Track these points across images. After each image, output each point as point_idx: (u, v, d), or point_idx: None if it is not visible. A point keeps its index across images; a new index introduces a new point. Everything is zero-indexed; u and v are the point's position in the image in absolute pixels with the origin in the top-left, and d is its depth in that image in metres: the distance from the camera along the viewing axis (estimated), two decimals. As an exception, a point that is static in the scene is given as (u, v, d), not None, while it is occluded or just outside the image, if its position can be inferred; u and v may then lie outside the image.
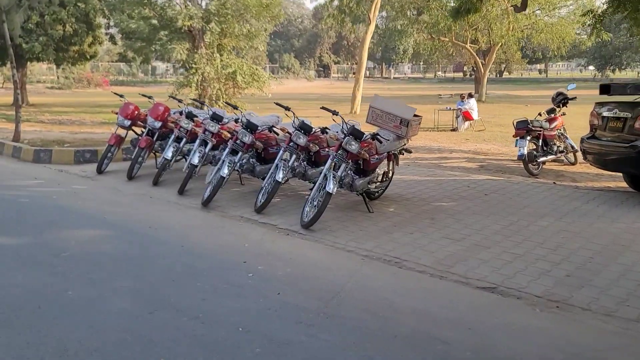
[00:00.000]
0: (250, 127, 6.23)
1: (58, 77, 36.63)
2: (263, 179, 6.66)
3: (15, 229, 5.20)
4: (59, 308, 3.48)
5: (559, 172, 8.21)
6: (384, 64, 66.44)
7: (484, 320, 3.40)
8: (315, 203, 5.34)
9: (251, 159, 6.53)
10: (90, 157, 8.81)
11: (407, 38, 27.55)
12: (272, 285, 3.91)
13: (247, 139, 6.18)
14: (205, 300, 3.63)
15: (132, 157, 7.49)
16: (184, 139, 7.25)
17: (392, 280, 4.06)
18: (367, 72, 64.15)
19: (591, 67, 57.59)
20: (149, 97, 8.13)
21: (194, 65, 16.04)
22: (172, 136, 7.27)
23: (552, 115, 8.59)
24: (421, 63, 65.06)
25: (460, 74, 61.83)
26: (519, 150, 7.85)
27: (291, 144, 5.96)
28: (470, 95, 16.36)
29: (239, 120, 6.92)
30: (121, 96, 8.13)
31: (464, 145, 11.50)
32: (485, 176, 7.72)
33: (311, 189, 5.66)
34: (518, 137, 7.98)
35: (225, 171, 6.04)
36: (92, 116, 17.47)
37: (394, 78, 61.04)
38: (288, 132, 5.97)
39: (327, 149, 6.37)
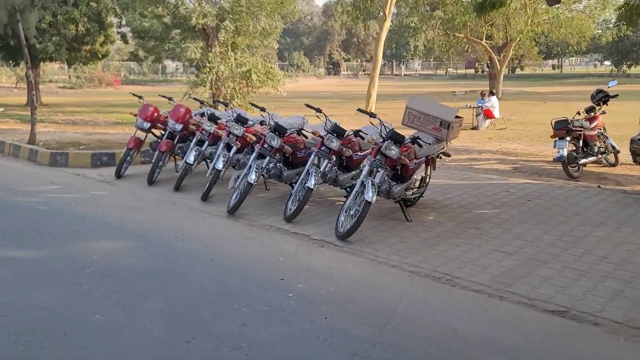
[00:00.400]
0: (279, 130, 5.88)
1: (70, 77, 36.54)
2: (290, 184, 6.35)
3: (35, 240, 4.90)
4: (87, 335, 3.15)
5: (600, 174, 7.78)
6: (394, 60, 65.82)
7: (563, 351, 3.02)
8: (352, 212, 4.98)
9: (278, 164, 6.18)
10: (108, 160, 8.51)
11: (421, 34, 27.00)
12: (317, 307, 3.56)
13: (276, 142, 5.83)
14: (245, 325, 3.29)
15: (153, 161, 7.17)
16: (207, 142, 6.92)
17: (448, 301, 3.69)
18: (378, 69, 63.89)
19: (607, 63, 56.68)
20: (169, 99, 7.81)
21: (208, 64, 15.74)
22: (194, 139, 6.94)
23: (592, 114, 8.15)
24: (432, 60, 64.45)
25: (472, 71, 61.07)
26: (558, 152, 7.43)
27: (323, 148, 5.60)
28: (491, 93, 15.91)
29: (264, 123, 6.58)
30: (140, 97, 7.82)
31: (487, 144, 11.09)
32: (523, 180, 7.31)
33: (346, 197, 5.30)
34: (557, 138, 7.55)
35: (252, 177, 5.70)
36: (105, 116, 17.23)
37: (405, 75, 60.45)
38: (320, 136, 5.61)
39: (359, 153, 6.01)
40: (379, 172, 5.06)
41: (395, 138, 4.98)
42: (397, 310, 3.53)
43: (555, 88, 33.64)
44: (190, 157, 6.75)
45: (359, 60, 65.27)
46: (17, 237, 4.95)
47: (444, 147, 5.86)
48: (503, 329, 3.29)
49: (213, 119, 6.85)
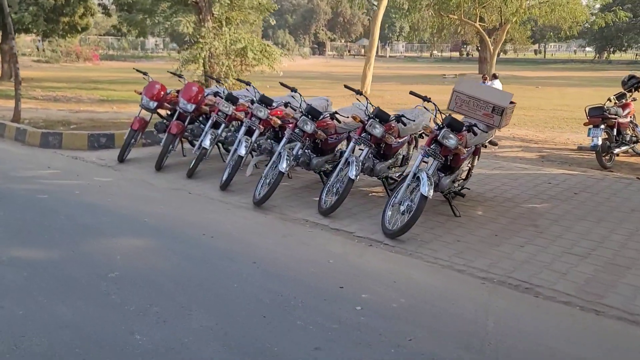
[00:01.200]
0: (312, 113, 5.30)
1: (44, 50, 34.81)
2: (319, 172, 5.82)
3: (42, 236, 4.26)
4: (132, 364, 2.60)
5: (631, 164, 7.43)
6: (379, 42, 64.99)
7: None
8: (402, 208, 4.47)
9: (306, 150, 5.62)
10: (106, 142, 7.80)
11: (415, 14, 26.34)
12: (394, 325, 3.06)
13: (309, 127, 5.26)
14: (319, 350, 2.77)
15: (161, 144, 6.51)
16: (223, 125, 6.30)
17: (538, 316, 3.23)
18: (362, 50, 62.84)
19: (588, 49, 56.96)
20: (179, 76, 7.13)
21: (201, 40, 14.88)
22: (210, 121, 6.31)
23: (624, 100, 7.76)
24: (416, 42, 63.89)
25: (457, 54, 60.80)
26: (593, 141, 7.04)
27: (364, 134, 5.06)
28: (494, 77, 15.50)
29: (289, 105, 6.00)
30: (145, 74, 7.10)
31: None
32: (558, 170, 6.90)
33: (392, 189, 4.79)
34: (591, 126, 7.15)
35: (284, 165, 5.13)
36: (88, 93, 16.29)
37: (390, 57, 59.76)
38: (361, 121, 5.06)
39: (398, 140, 5.49)
40: (432, 164, 4.56)
41: (454, 126, 4.47)
42: (487, 328, 3.05)
43: (541, 73, 33.55)
44: (206, 141, 6.13)
45: (343, 41, 64.26)
46: (20, 232, 4.31)
47: (492, 135, 5.38)
48: (611, 352, 2.86)
49: (231, 99, 6.22)
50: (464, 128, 4.62)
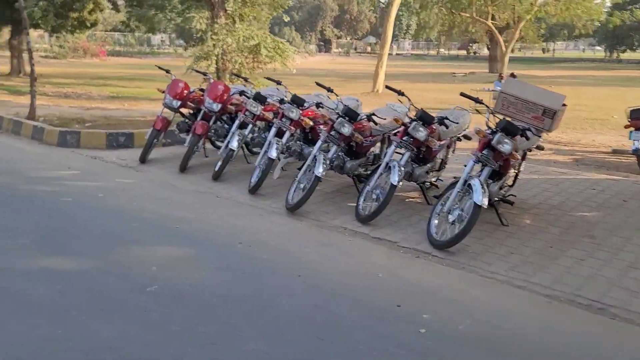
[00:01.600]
0: (350, 115, 5.03)
1: (52, 46, 34.57)
2: (353, 177, 5.56)
3: (70, 245, 4.01)
4: (187, 396, 2.34)
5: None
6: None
7: None
8: (451, 217, 4.19)
9: (340, 153, 5.35)
10: (125, 140, 7.55)
11: (429, 11, 26.01)
12: (465, 351, 2.80)
13: (347, 130, 5.00)
14: (390, 380, 2.51)
15: (186, 145, 6.24)
16: (250, 126, 6.03)
17: (622, 344, 2.96)
18: (369, 48, 62.48)
19: (598, 48, 56.36)
20: (204, 74, 6.87)
21: (214, 37, 14.61)
22: (236, 122, 6.04)
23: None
24: (422, 40, 63.49)
25: (464, 52, 60.31)
26: (634, 144, 6.76)
27: (405, 138, 4.78)
28: (512, 75, 15.19)
29: (321, 105, 5.72)
30: (167, 71, 6.84)
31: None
32: (600, 175, 6.61)
33: (438, 197, 4.51)
34: (633, 129, 6.86)
35: (320, 170, 4.86)
36: (98, 89, 16.02)
37: (397, 54, 59.34)
38: (403, 124, 4.79)
39: (439, 144, 5.21)
40: (483, 170, 4.28)
41: (509, 130, 4.20)
42: (571, 355, 2.78)
43: (552, 72, 33.05)
44: (234, 143, 5.86)
45: (349, 38, 63.90)
46: (48, 240, 4.05)
47: (540, 139, 5.10)
48: None
49: (259, 99, 5.95)
50: (520, 132, 4.34)
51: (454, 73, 31.61)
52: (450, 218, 4.21)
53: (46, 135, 7.59)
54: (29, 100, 8.73)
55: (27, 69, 21.07)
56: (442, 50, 62.56)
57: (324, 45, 60.71)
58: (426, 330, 2.97)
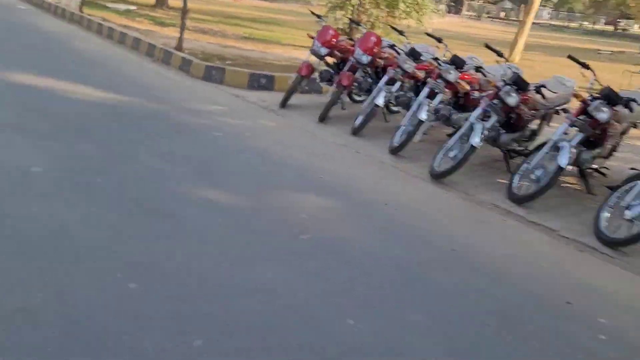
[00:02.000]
0: (520, 85, 4.58)
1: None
2: (506, 151, 5.15)
3: (226, 180, 4.08)
4: (343, 354, 2.26)
5: None
6: (523, 5, 59.78)
7: None
8: (629, 214, 3.70)
9: (496, 124, 4.93)
10: (266, 83, 7.63)
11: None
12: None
13: (513, 100, 4.58)
14: (572, 387, 2.26)
15: (330, 95, 6.15)
16: (398, 83, 5.76)
17: None
18: (504, 13, 58.15)
19: None
20: (318, 16, 6.64)
21: (353, -15, 14.22)
22: (385, 77, 5.80)
23: None
24: (564, 10, 57.96)
25: (611, 27, 54.14)
26: None
27: (582, 117, 4.26)
28: (681, 61, 13.27)
29: (481, 70, 5.30)
30: (319, 17, 6.71)
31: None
32: None
33: (612, 188, 4.01)
34: None
35: (477, 140, 4.52)
36: (232, 29, 16.37)
37: (533, 23, 54.74)
38: (584, 101, 4.26)
39: (620, 128, 4.61)
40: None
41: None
42: None
43: None
44: (380, 99, 5.64)
45: (482, 1, 59.87)
46: (205, 172, 4.16)
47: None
48: None
49: (413, 55, 5.63)
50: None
51: (599, 50, 28.52)
52: (627, 215, 3.72)
53: (193, 68, 7.88)
54: (174, 32, 9.10)
55: (170, 2, 22.22)
56: (585, 23, 56.61)
57: (455, 5, 57.42)
58: (606, 338, 2.64)
